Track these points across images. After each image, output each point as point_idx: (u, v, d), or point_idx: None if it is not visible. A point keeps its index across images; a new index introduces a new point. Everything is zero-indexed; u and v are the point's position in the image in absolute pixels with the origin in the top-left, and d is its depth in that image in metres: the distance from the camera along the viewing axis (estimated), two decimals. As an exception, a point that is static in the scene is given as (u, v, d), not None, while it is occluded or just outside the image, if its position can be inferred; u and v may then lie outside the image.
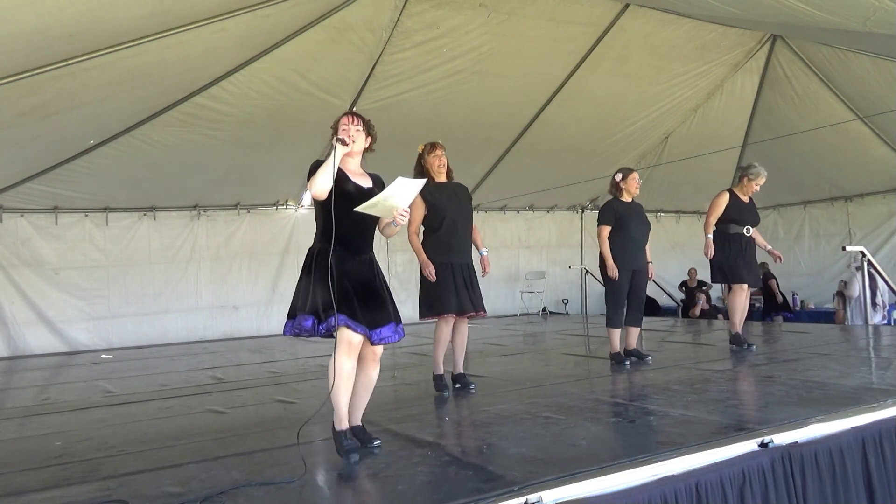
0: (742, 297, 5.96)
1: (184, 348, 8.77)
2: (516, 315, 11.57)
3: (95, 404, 5.02)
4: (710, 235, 5.91)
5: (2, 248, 8.72)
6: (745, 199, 6.00)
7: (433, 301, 4.49)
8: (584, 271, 11.88)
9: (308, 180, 3.13)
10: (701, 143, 9.84)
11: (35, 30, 4.64)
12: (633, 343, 5.64)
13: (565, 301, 12.28)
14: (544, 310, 11.83)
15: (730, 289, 6.11)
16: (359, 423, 3.30)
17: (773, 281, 11.13)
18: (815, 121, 9.20)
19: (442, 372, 4.70)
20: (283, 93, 7.43)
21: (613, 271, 5.38)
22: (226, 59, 6.79)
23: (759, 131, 10.33)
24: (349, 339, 3.04)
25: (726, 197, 5.93)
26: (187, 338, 9.51)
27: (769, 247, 6.14)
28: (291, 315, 3.16)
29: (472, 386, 4.61)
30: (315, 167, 3.15)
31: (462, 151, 9.44)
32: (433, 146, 4.60)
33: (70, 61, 5.41)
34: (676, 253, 12.25)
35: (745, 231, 5.88)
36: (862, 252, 7.96)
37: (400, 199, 3.06)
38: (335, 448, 3.10)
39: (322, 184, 3.06)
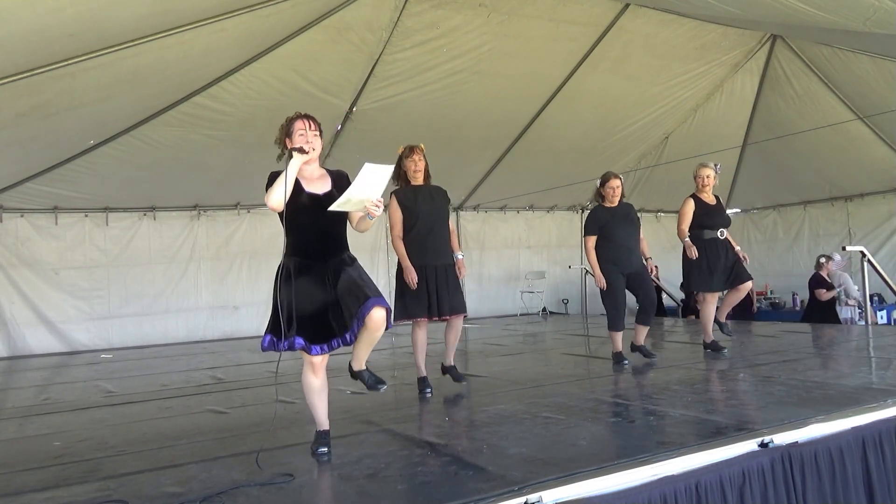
0: (713, 307, 5.96)
1: (184, 348, 8.77)
2: (516, 315, 11.57)
3: (95, 404, 5.02)
4: (688, 239, 5.85)
5: (2, 248, 8.72)
6: (711, 200, 5.92)
7: (406, 305, 4.52)
8: (583, 271, 11.88)
9: (266, 191, 3.05)
10: (701, 143, 9.83)
11: (35, 30, 4.64)
12: (640, 339, 5.65)
13: (565, 301, 12.28)
14: (544, 310, 11.83)
15: (703, 297, 6.05)
16: (363, 367, 3.29)
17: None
18: (815, 121, 9.20)
19: (424, 375, 4.73)
20: (283, 93, 7.42)
21: (601, 282, 5.42)
22: (226, 59, 6.79)
23: (759, 131, 10.34)
24: (310, 360, 3.10)
25: (691, 203, 5.87)
26: (187, 338, 9.51)
27: (738, 248, 6.05)
28: (267, 330, 3.15)
29: (462, 379, 4.70)
30: (271, 176, 3.08)
31: (462, 151, 9.49)
32: (411, 150, 4.62)
33: (70, 61, 5.40)
34: (677, 253, 12.13)
35: (718, 234, 5.83)
36: (862, 252, 7.97)
37: (371, 188, 2.96)
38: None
39: (277, 198, 2.98)
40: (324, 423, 3.26)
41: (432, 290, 4.50)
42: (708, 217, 5.85)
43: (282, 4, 5.90)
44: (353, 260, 3.24)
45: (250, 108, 7.55)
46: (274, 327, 3.09)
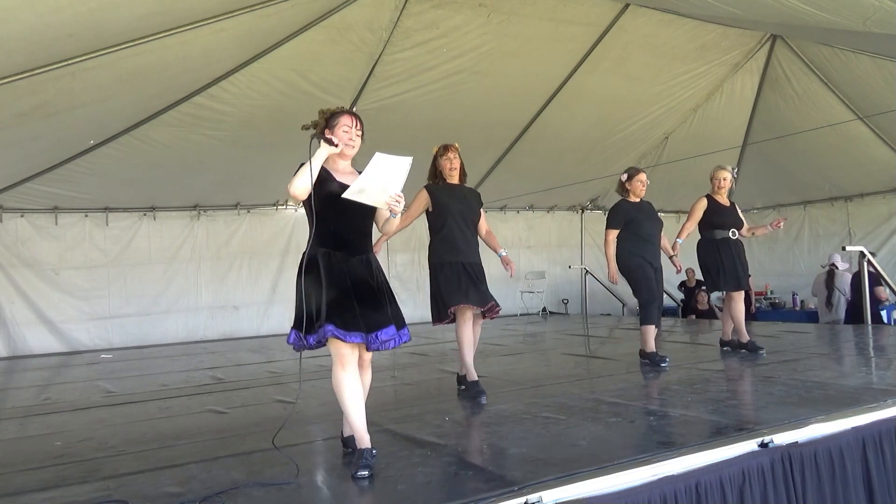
0: (742, 304, 5.87)
1: (184, 348, 8.77)
2: (516, 315, 11.57)
3: (95, 404, 5.02)
4: (681, 241, 5.78)
5: (2, 248, 8.72)
6: (725, 202, 5.96)
7: (448, 295, 4.27)
8: (584, 271, 11.88)
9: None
10: (701, 143, 9.84)
11: (35, 30, 4.65)
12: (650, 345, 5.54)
13: (565, 301, 12.29)
14: (544, 310, 11.83)
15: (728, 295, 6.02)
16: (351, 434, 3.13)
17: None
18: (815, 121, 9.20)
19: (476, 378, 4.35)
20: (283, 93, 7.43)
21: (614, 276, 5.38)
22: (226, 59, 6.79)
23: (759, 131, 10.34)
24: (339, 350, 2.86)
25: (704, 202, 5.89)
26: (187, 338, 9.52)
27: (769, 227, 6.10)
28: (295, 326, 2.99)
29: (483, 397, 4.28)
30: (300, 166, 2.99)
31: (462, 151, 9.41)
32: (446, 148, 4.57)
33: (70, 61, 5.41)
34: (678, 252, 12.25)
35: (730, 234, 5.86)
36: (862, 252, 7.96)
37: (388, 180, 2.85)
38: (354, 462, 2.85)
39: (300, 184, 2.88)
40: (364, 436, 2.86)
41: (471, 282, 4.34)
42: (719, 217, 5.87)
43: (282, 4, 5.91)
44: (379, 268, 3.14)
45: (250, 108, 7.56)
46: (300, 322, 2.91)
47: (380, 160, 2.81)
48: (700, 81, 9.30)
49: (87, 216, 9.15)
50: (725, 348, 5.99)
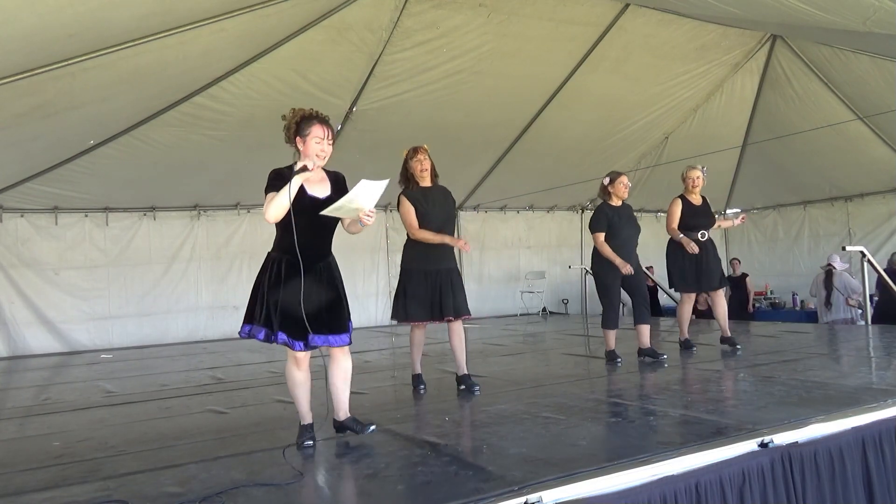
0: (690, 306, 6.18)
1: (184, 348, 8.77)
2: (516, 315, 11.57)
3: (95, 404, 5.02)
4: (682, 235, 5.92)
5: (2, 248, 8.73)
6: (697, 201, 6.05)
7: (406, 307, 4.52)
8: (583, 271, 11.88)
9: (265, 193, 3.10)
10: (701, 143, 9.84)
11: (35, 30, 4.65)
12: (645, 342, 5.62)
13: (565, 301, 12.29)
14: (544, 310, 11.83)
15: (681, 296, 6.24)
16: (348, 414, 3.36)
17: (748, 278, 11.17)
18: (815, 121, 9.20)
19: (419, 372, 4.82)
20: (283, 93, 7.42)
21: (626, 267, 5.37)
22: (226, 59, 6.79)
23: (759, 131, 10.34)
24: (293, 355, 3.23)
25: (679, 203, 6.00)
26: (187, 338, 9.52)
27: (735, 221, 6.45)
28: (248, 320, 3.29)
29: (476, 388, 4.57)
30: (272, 178, 3.12)
31: (462, 151, 9.48)
32: (415, 151, 4.59)
33: (70, 61, 5.41)
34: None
35: (699, 236, 5.91)
36: (862, 252, 7.96)
37: (364, 200, 3.05)
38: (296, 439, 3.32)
39: (276, 213, 3.06)
40: (307, 416, 3.34)
41: (435, 294, 4.49)
42: (692, 218, 5.98)
43: (282, 4, 5.90)
44: (337, 267, 3.35)
45: (250, 108, 7.55)
46: (251, 316, 3.25)
47: (363, 186, 2.98)
48: (700, 81, 9.30)
49: (87, 216, 9.15)
50: (725, 347, 6.01)
